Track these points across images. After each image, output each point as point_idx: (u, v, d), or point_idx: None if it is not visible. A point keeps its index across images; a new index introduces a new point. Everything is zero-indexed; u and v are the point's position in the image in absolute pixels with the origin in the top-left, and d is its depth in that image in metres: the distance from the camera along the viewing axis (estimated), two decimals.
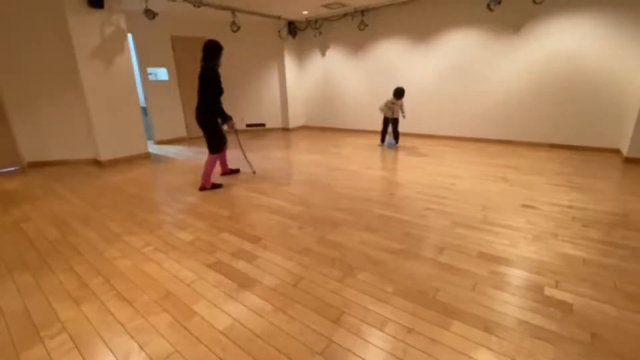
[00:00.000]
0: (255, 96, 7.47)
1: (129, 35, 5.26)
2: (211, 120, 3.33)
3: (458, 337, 1.42)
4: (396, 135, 5.45)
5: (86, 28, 4.29)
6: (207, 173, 3.46)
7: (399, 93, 5.13)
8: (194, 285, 1.85)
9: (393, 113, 5.27)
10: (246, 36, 6.80)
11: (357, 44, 6.65)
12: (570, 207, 2.78)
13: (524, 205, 2.83)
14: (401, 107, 5.24)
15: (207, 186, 3.49)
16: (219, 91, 3.22)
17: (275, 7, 5.77)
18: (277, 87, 7.53)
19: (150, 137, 6.18)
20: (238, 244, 2.32)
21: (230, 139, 3.88)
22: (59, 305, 1.72)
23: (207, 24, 6.56)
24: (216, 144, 3.43)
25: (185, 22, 6.26)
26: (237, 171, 4.02)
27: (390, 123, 5.36)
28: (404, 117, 5.29)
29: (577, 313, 1.54)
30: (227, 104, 7.43)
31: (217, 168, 3.98)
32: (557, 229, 2.39)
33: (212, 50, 3.21)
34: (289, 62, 7.36)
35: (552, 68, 4.74)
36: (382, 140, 5.57)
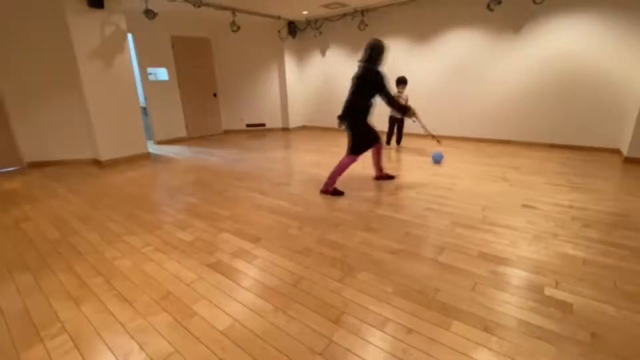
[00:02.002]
0: (255, 96, 7.47)
1: (129, 35, 5.25)
2: (361, 121, 3.10)
3: (458, 337, 1.42)
4: (399, 136, 5.39)
5: (86, 28, 4.29)
6: (336, 174, 3.17)
7: (402, 81, 4.98)
8: (194, 285, 1.85)
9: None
10: (246, 36, 6.80)
11: (357, 44, 6.64)
12: (570, 207, 2.78)
13: (524, 205, 2.83)
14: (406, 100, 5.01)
15: (330, 189, 3.20)
16: (389, 94, 3.03)
17: (275, 7, 5.77)
18: (277, 87, 7.53)
19: (150, 137, 6.17)
20: (238, 244, 2.32)
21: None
22: (59, 305, 1.72)
23: (207, 24, 6.56)
24: (359, 146, 3.14)
25: (185, 22, 6.26)
26: (392, 177, 3.63)
27: (396, 123, 5.26)
28: (413, 121, 4.15)
29: (577, 313, 1.54)
30: (228, 103, 7.48)
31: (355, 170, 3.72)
32: (557, 229, 2.39)
33: (377, 53, 2.95)
34: (289, 62, 7.36)
35: (552, 68, 4.74)
36: (388, 142, 5.41)
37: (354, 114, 3.10)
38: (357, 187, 3.46)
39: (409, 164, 4.34)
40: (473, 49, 5.32)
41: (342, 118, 3.18)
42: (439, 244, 2.23)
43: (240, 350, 1.38)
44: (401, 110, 3.22)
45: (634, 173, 3.66)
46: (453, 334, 1.43)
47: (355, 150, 3.15)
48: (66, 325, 1.57)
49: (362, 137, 3.15)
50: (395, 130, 5.36)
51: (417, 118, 3.40)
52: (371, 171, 4.06)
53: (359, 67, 3.06)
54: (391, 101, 3.04)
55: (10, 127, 4.45)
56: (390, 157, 4.75)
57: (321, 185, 3.32)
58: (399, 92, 5.03)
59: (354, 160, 3.18)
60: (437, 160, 4.35)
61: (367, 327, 1.50)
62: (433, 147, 5.29)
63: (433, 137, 3.76)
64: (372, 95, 3.00)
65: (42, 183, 3.98)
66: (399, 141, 5.45)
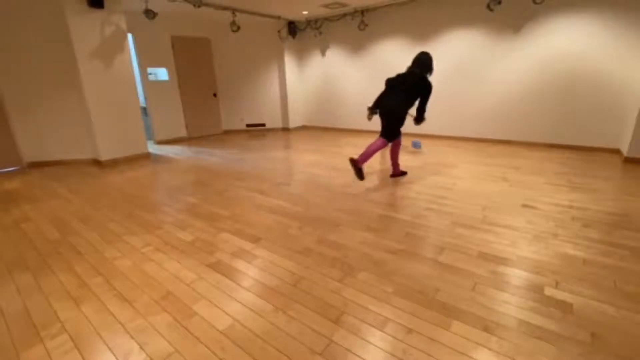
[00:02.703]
0: (255, 96, 7.48)
1: (129, 35, 5.26)
2: (404, 117, 3.50)
3: (458, 337, 1.42)
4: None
5: (86, 28, 4.29)
6: (369, 154, 3.40)
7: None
8: (194, 285, 1.85)
9: None
10: (246, 36, 6.80)
11: (357, 44, 6.65)
12: (570, 207, 2.78)
13: (524, 205, 2.83)
14: None
15: (360, 164, 3.40)
16: (427, 102, 3.50)
17: (275, 7, 5.77)
18: (277, 87, 7.53)
19: (150, 137, 6.18)
20: (238, 244, 2.32)
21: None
22: (59, 305, 1.72)
23: (207, 24, 6.56)
24: (394, 133, 3.52)
25: (185, 22, 6.26)
26: (405, 173, 3.89)
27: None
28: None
29: (577, 313, 1.54)
30: (228, 103, 7.48)
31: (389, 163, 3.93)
32: (557, 229, 2.39)
33: (431, 65, 3.43)
34: (289, 62, 7.36)
35: (552, 68, 4.74)
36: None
37: (405, 108, 3.46)
38: (357, 187, 3.46)
39: (408, 163, 4.34)
40: (473, 49, 5.32)
41: (389, 107, 3.48)
42: (439, 244, 2.23)
43: (240, 350, 1.38)
44: (422, 119, 3.53)
45: (634, 173, 3.66)
46: (453, 334, 1.43)
47: (389, 136, 3.52)
48: (66, 325, 1.57)
49: (398, 128, 3.54)
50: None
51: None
52: (376, 169, 4.06)
53: (411, 72, 3.44)
54: (424, 108, 3.47)
55: (10, 127, 4.46)
56: (386, 157, 4.73)
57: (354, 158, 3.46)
58: None
59: (385, 145, 3.51)
60: (417, 146, 5.24)
61: (367, 327, 1.50)
62: (431, 148, 5.29)
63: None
64: (417, 98, 3.42)
65: (42, 183, 3.98)
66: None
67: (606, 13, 4.25)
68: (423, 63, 3.40)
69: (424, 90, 3.39)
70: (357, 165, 3.39)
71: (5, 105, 4.38)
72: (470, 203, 2.93)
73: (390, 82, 3.52)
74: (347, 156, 4.89)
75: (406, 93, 3.40)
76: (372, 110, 3.62)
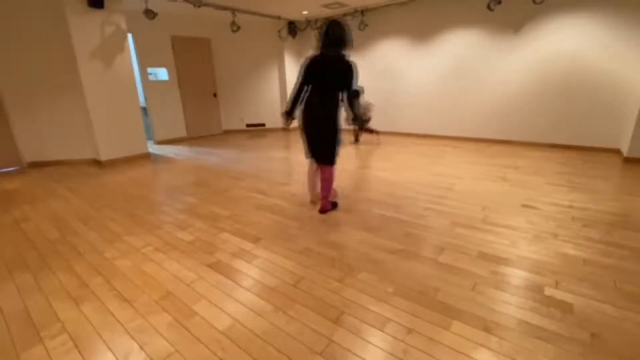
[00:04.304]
0: (255, 96, 7.47)
1: (129, 35, 5.25)
2: (337, 123, 2.62)
3: (458, 337, 1.42)
4: (364, 132, 5.89)
5: (86, 28, 4.29)
6: (328, 189, 2.78)
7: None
8: (194, 285, 1.85)
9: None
10: (246, 36, 6.80)
11: (357, 44, 6.64)
12: (570, 207, 2.78)
13: (524, 205, 2.83)
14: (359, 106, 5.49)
15: (328, 205, 2.82)
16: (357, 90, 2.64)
17: (275, 7, 5.77)
18: (277, 87, 7.52)
19: (150, 137, 6.18)
20: (238, 244, 2.32)
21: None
22: (59, 305, 1.72)
23: (207, 24, 6.55)
24: (335, 147, 2.68)
25: (185, 22, 6.25)
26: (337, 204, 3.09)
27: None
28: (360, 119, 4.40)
29: (577, 313, 1.54)
30: (227, 103, 7.47)
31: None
32: (557, 229, 2.39)
33: (349, 37, 2.51)
34: (289, 62, 7.36)
35: (552, 68, 4.74)
36: (356, 139, 5.97)
37: (337, 110, 2.60)
38: (357, 187, 3.46)
39: (408, 163, 4.34)
40: (473, 48, 5.32)
41: (314, 120, 2.63)
42: (439, 244, 2.23)
43: (240, 350, 1.38)
44: (361, 116, 2.82)
45: (634, 173, 3.66)
46: (453, 334, 1.43)
47: (334, 154, 2.70)
48: (66, 325, 1.57)
49: (339, 140, 2.66)
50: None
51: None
52: (371, 171, 4.05)
53: (335, 57, 2.47)
54: (357, 101, 2.58)
55: (10, 127, 4.45)
56: (386, 157, 4.74)
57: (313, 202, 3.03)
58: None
59: (333, 169, 2.76)
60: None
61: (367, 327, 1.50)
62: (431, 148, 5.30)
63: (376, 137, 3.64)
64: (340, 90, 2.55)
65: (42, 183, 3.98)
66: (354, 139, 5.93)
67: (606, 13, 4.25)
68: (339, 38, 2.44)
69: (351, 77, 2.47)
70: (327, 208, 2.82)
71: (5, 105, 4.38)
72: (470, 203, 2.93)
73: (313, 74, 2.52)
74: (346, 156, 4.89)
75: (332, 89, 2.54)
76: (288, 116, 2.71)
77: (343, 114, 2.62)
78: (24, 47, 4.35)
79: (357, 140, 5.97)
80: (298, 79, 2.61)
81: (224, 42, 6.85)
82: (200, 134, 7.04)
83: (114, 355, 1.38)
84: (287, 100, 2.74)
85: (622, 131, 4.43)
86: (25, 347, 1.44)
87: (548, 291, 1.70)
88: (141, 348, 1.42)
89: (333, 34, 2.45)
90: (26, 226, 2.75)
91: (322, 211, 2.82)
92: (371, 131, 5.88)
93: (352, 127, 5.34)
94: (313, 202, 3.01)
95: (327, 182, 2.74)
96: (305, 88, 2.61)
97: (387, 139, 6.23)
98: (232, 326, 1.53)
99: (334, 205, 2.91)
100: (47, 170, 4.59)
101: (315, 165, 2.84)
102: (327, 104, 2.56)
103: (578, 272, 1.87)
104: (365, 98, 5.69)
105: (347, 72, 2.46)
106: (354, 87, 2.52)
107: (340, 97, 2.56)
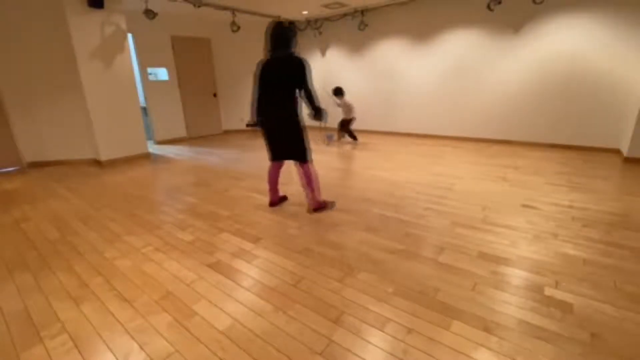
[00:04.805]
0: None
1: (129, 35, 5.26)
2: (299, 121, 2.67)
3: (458, 337, 1.42)
4: (347, 133, 5.87)
5: (86, 28, 4.29)
6: (315, 188, 2.75)
7: (338, 91, 5.61)
8: (194, 285, 1.85)
9: (351, 113, 5.67)
10: (246, 36, 6.79)
11: (357, 44, 6.65)
12: (570, 207, 2.78)
13: (524, 205, 2.83)
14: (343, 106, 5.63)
15: (320, 204, 2.82)
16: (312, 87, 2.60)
17: (275, 7, 5.77)
18: None
19: (150, 137, 6.18)
20: (238, 244, 2.32)
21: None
22: (59, 305, 1.72)
23: (207, 24, 6.56)
24: (304, 144, 2.69)
25: (185, 22, 6.26)
26: (286, 198, 3.18)
27: (347, 123, 5.76)
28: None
29: (577, 313, 1.54)
30: (228, 103, 7.47)
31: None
32: (557, 229, 2.39)
33: (292, 36, 2.57)
34: None
35: (552, 68, 4.74)
36: (349, 137, 5.96)
37: (295, 110, 2.65)
38: (357, 187, 3.46)
39: (408, 163, 4.34)
40: (473, 48, 5.32)
41: (276, 122, 2.68)
42: (439, 244, 2.23)
43: (240, 350, 1.38)
44: (320, 109, 2.65)
45: (634, 173, 3.66)
46: (453, 334, 1.43)
47: (305, 151, 2.71)
48: (66, 325, 1.57)
49: (304, 138, 2.70)
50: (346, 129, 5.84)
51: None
52: (371, 171, 4.05)
53: (282, 59, 2.50)
54: (313, 95, 2.57)
55: (10, 127, 4.45)
56: (386, 157, 4.74)
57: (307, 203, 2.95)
58: (337, 103, 5.65)
59: (311, 166, 2.76)
60: (331, 139, 6.02)
61: (367, 327, 1.50)
62: (431, 148, 5.30)
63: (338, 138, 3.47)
64: (295, 88, 2.57)
65: (42, 183, 3.98)
66: (330, 138, 5.99)
67: (606, 13, 4.25)
68: (284, 39, 2.50)
69: (303, 73, 2.49)
70: (318, 206, 2.83)
71: (5, 105, 4.38)
72: (470, 203, 2.93)
73: (265, 79, 2.56)
74: (346, 156, 4.89)
75: (286, 89, 2.56)
76: (254, 126, 2.79)
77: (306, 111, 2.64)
78: (24, 47, 4.35)
79: (337, 139, 6.03)
80: (254, 87, 2.64)
81: (224, 42, 6.85)
82: (200, 134, 7.04)
83: (114, 355, 1.38)
84: (250, 110, 2.79)
85: (622, 131, 4.43)
86: (25, 347, 1.45)
87: (548, 291, 1.70)
88: (141, 348, 1.42)
89: (276, 35, 2.51)
90: (26, 226, 2.75)
91: (315, 210, 2.84)
92: (354, 136, 5.87)
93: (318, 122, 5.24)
94: (272, 204, 3.02)
95: (308, 179, 2.74)
96: (262, 94, 2.63)
97: (387, 139, 6.23)
98: (232, 326, 1.53)
99: (326, 204, 2.89)
100: (47, 170, 4.59)
101: (275, 167, 2.89)
102: (285, 105, 2.60)
103: (578, 272, 1.87)
104: (348, 99, 5.71)
105: (298, 69, 2.48)
106: (309, 82, 2.52)
107: (297, 95, 2.60)
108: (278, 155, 2.81)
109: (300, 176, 2.79)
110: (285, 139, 2.71)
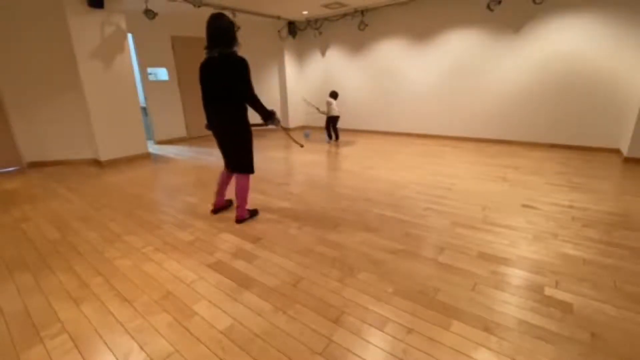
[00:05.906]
0: None
1: (129, 35, 5.26)
2: (243, 127, 2.47)
3: (458, 337, 1.42)
4: (336, 133, 5.95)
5: (86, 28, 4.29)
6: (243, 199, 2.63)
7: (334, 94, 5.83)
8: (194, 285, 1.85)
9: (330, 112, 5.76)
10: (246, 36, 6.78)
11: (357, 44, 6.65)
12: (570, 207, 2.78)
13: (524, 205, 2.83)
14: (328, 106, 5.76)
15: (244, 215, 2.67)
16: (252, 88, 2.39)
17: (275, 7, 5.77)
18: (277, 87, 7.53)
19: (150, 137, 6.18)
20: (238, 244, 2.32)
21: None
22: (59, 305, 1.72)
23: None
24: (249, 155, 2.56)
25: (185, 22, 6.26)
26: (231, 203, 3.01)
27: (331, 121, 5.84)
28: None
29: (577, 313, 1.54)
30: None
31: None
32: (557, 229, 2.39)
33: (233, 33, 2.43)
34: (289, 62, 7.36)
35: (552, 68, 4.74)
36: (329, 136, 6.04)
37: (241, 113, 2.43)
38: (357, 187, 3.46)
39: (408, 163, 4.34)
40: (473, 48, 5.32)
41: (219, 127, 2.51)
42: (439, 244, 2.23)
43: (240, 350, 1.38)
44: (268, 112, 2.49)
45: (634, 173, 3.66)
46: (453, 334, 1.43)
47: (251, 167, 2.58)
48: (66, 325, 1.57)
49: (251, 148, 2.54)
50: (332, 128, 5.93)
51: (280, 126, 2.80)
52: (371, 171, 4.05)
53: (219, 58, 2.32)
54: (255, 97, 2.37)
55: (10, 127, 4.45)
56: (387, 157, 4.74)
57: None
58: (329, 102, 5.73)
59: (248, 179, 2.62)
60: (307, 136, 6.49)
61: (367, 327, 1.50)
62: (431, 148, 5.30)
63: (295, 142, 3.41)
64: (236, 89, 2.37)
65: (42, 183, 3.98)
66: (336, 137, 5.98)
67: (606, 13, 4.25)
68: (224, 34, 2.32)
69: (242, 74, 2.29)
70: (243, 217, 2.65)
71: (5, 105, 4.38)
72: (470, 203, 2.93)
73: (204, 81, 2.44)
74: (347, 156, 4.89)
75: (225, 93, 2.35)
76: (208, 128, 2.60)
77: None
78: (24, 47, 4.35)
79: (330, 138, 6.03)
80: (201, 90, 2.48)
81: None
82: (200, 134, 7.03)
83: (114, 355, 1.38)
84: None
85: (622, 131, 4.43)
86: (25, 347, 1.45)
87: (548, 291, 1.70)
88: (141, 348, 1.42)
89: (214, 30, 2.27)
90: (26, 226, 2.75)
91: (238, 221, 2.65)
92: (337, 136, 5.93)
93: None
94: (213, 209, 2.87)
95: (240, 190, 2.59)
96: (204, 98, 2.48)
97: (387, 138, 6.23)
98: (232, 326, 1.53)
99: (253, 214, 2.75)
100: (47, 170, 4.59)
101: (225, 172, 2.75)
102: (227, 109, 2.38)
103: (578, 272, 1.87)
104: (330, 100, 5.76)
105: (236, 70, 2.25)
106: (249, 85, 2.32)
107: (240, 98, 2.38)
108: (227, 163, 2.66)
109: (235, 184, 2.63)
110: (228, 148, 2.55)
